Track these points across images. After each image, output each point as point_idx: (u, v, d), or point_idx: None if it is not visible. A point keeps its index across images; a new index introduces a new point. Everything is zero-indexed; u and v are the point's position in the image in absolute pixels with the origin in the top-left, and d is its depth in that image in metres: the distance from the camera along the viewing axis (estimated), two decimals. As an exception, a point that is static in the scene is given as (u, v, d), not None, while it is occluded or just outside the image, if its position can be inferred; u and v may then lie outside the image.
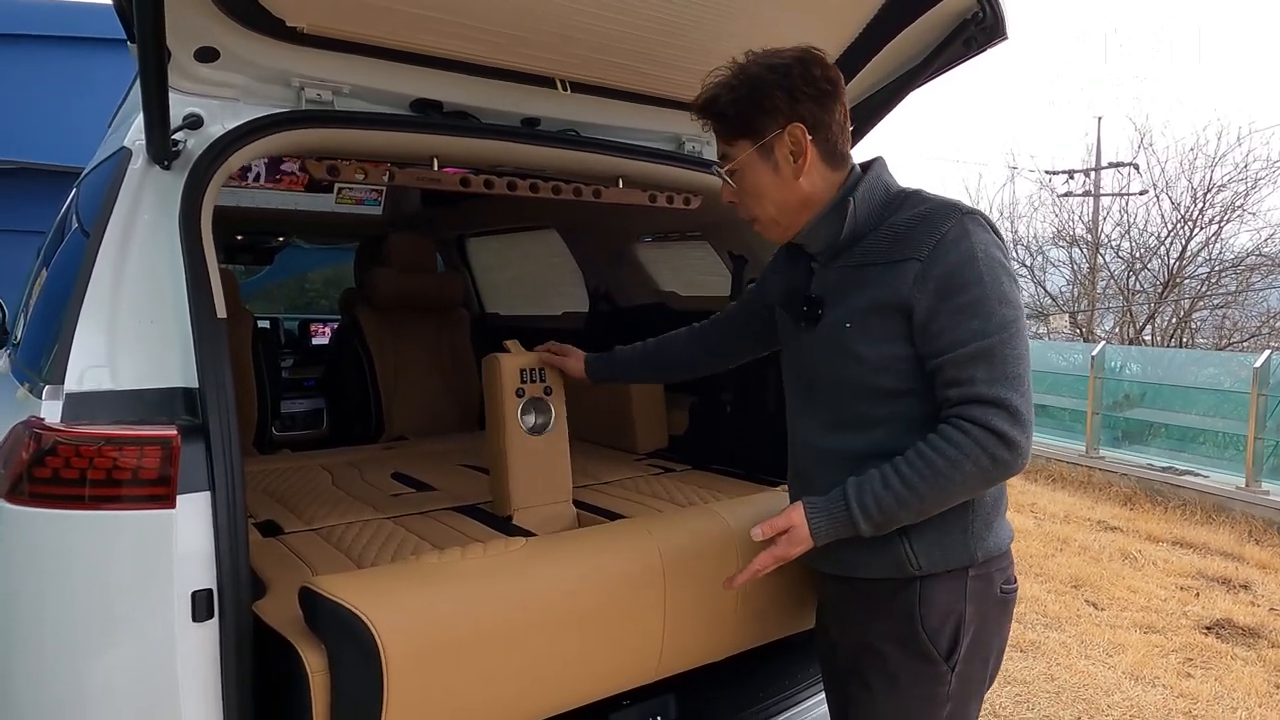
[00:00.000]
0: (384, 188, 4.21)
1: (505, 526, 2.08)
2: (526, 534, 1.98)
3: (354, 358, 3.84)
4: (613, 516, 2.13)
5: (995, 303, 1.28)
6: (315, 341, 5.05)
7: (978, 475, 1.27)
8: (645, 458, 2.90)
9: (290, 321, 5.20)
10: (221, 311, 1.44)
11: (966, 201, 1.38)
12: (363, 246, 4.29)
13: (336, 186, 4.11)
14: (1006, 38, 1.99)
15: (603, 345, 3.42)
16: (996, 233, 1.35)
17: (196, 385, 1.37)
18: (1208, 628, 4.16)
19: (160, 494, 1.26)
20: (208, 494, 1.30)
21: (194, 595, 1.29)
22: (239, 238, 4.69)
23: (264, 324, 4.64)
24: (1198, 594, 4.67)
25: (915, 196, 1.41)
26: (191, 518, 1.28)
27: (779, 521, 1.40)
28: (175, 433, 1.28)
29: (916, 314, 1.31)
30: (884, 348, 1.35)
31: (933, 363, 1.31)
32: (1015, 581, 1.47)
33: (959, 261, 1.29)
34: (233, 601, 1.31)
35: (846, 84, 2.16)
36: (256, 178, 3.89)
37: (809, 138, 1.38)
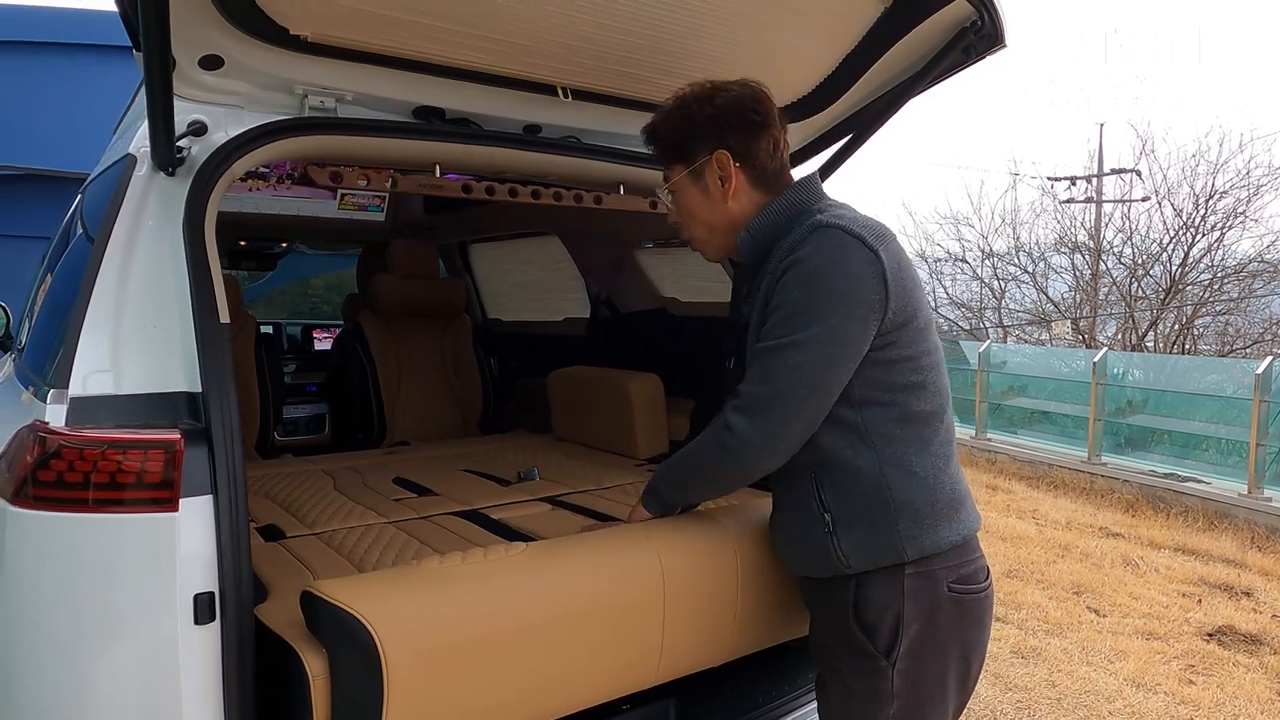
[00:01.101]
0: (386, 194, 4.23)
1: (506, 531, 2.08)
2: (527, 539, 1.98)
3: (356, 363, 3.85)
4: (609, 520, 2.14)
5: (788, 315, 1.36)
6: (318, 347, 5.07)
7: (710, 456, 1.46)
8: (645, 463, 2.91)
9: (293, 327, 5.22)
10: (225, 316, 1.46)
11: (842, 220, 1.38)
12: (365, 252, 4.31)
13: (339, 193, 4.13)
14: (1006, 45, 2.00)
15: (604, 351, 3.46)
16: (864, 243, 1.34)
17: (199, 389, 1.38)
18: (1210, 635, 4.16)
19: (163, 497, 1.27)
20: (210, 497, 1.31)
21: (196, 598, 1.30)
22: (242, 243, 4.71)
23: (267, 329, 4.67)
24: (1200, 601, 4.66)
25: (807, 217, 1.43)
26: (194, 521, 1.29)
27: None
28: (178, 436, 1.29)
29: None
30: None
31: None
32: (977, 583, 1.44)
33: (783, 274, 1.38)
34: (234, 604, 1.31)
35: (845, 92, 2.19)
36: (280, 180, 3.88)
37: (735, 164, 1.49)
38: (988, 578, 1.47)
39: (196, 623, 1.29)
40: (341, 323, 4.63)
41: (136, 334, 1.42)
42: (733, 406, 1.41)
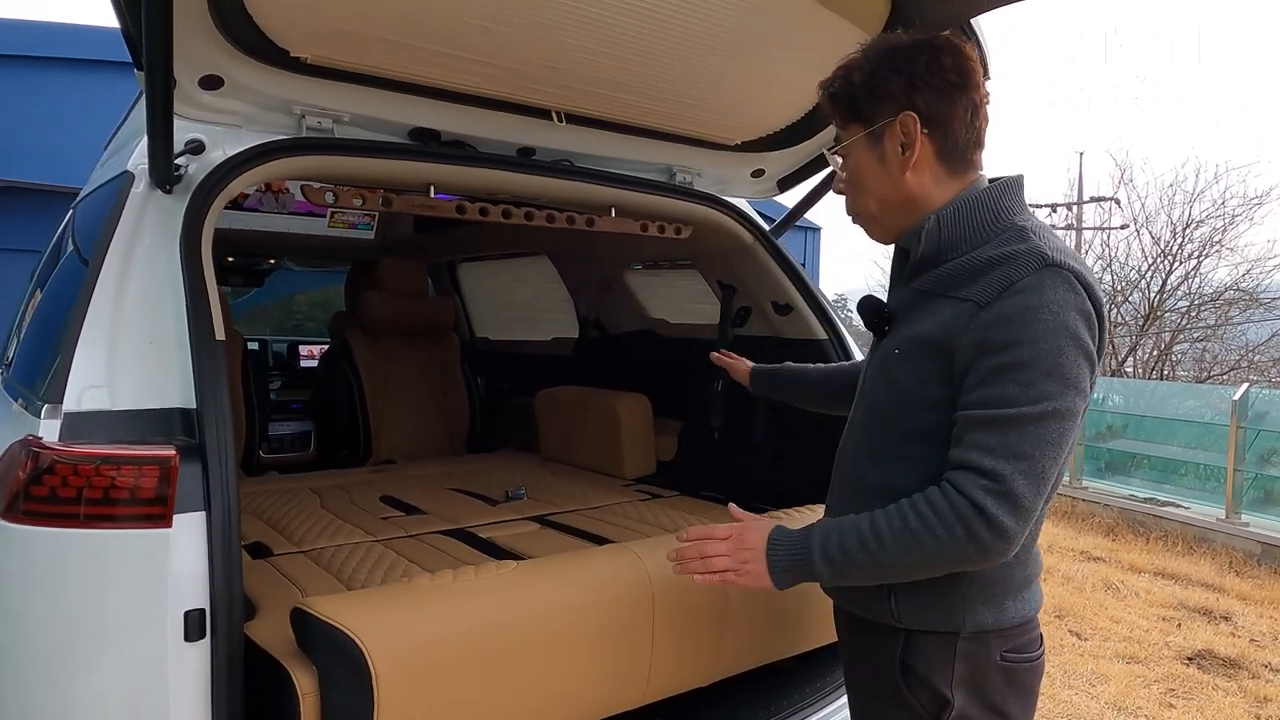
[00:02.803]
0: (377, 212, 4.24)
1: (495, 550, 2.09)
2: (515, 558, 1.99)
3: (343, 381, 3.85)
4: (601, 541, 2.15)
5: (1041, 373, 1.12)
6: (304, 363, 5.05)
7: (950, 547, 1.15)
8: (633, 483, 2.92)
9: (279, 343, 5.20)
10: (220, 334, 1.46)
11: (1067, 256, 1.19)
12: (354, 270, 4.31)
13: (330, 210, 4.14)
14: (989, 78, 2.05)
15: (592, 371, 3.48)
16: (1090, 294, 1.17)
17: (194, 406, 1.38)
18: (1189, 658, 4.19)
19: (157, 513, 1.27)
20: (203, 514, 1.31)
21: (187, 615, 1.29)
22: (230, 259, 4.70)
23: (253, 345, 4.65)
24: (1179, 625, 4.70)
25: (1015, 234, 1.22)
26: (187, 537, 1.29)
27: (734, 528, 1.33)
28: (174, 452, 1.29)
29: (957, 361, 1.19)
30: (924, 385, 1.24)
31: (955, 414, 1.19)
32: (1029, 652, 1.30)
33: (1017, 316, 1.14)
34: (225, 622, 1.31)
35: (819, 132, 2.23)
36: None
37: (922, 130, 1.25)
38: (1041, 646, 1.33)
39: (187, 640, 1.29)
40: (327, 340, 4.62)
41: (132, 350, 1.42)
42: (989, 490, 1.12)
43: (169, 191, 1.63)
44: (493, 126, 2.02)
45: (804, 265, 3.09)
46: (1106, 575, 5.60)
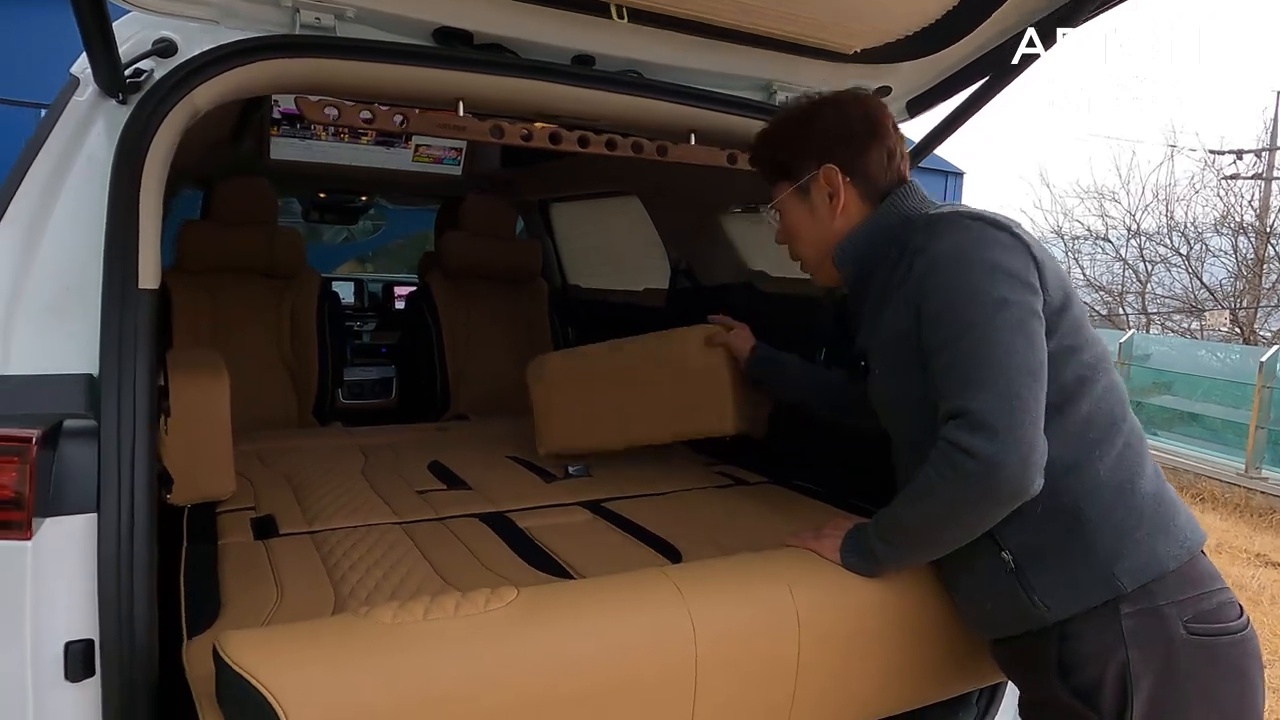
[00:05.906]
0: (464, 145, 3.94)
1: (526, 545, 1.74)
2: (548, 557, 1.65)
3: (423, 326, 3.62)
4: (660, 544, 1.77)
5: (960, 305, 1.20)
6: (399, 305, 4.89)
7: (951, 493, 1.19)
8: (716, 462, 2.52)
9: (374, 284, 5.06)
10: (146, 281, 1.15)
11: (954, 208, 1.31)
12: (443, 208, 4.08)
13: (414, 143, 3.86)
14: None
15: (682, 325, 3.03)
16: (994, 224, 1.24)
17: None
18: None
19: (12, 520, 0.97)
20: (93, 517, 1.01)
21: (68, 648, 1.00)
22: (321, 195, 4.54)
23: (342, 286, 4.50)
24: (1384, 657, 3.91)
25: (921, 221, 1.32)
26: (62, 548, 0.99)
27: (824, 529, 1.44)
28: (32, 436, 0.97)
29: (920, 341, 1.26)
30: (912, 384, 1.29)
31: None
32: (1224, 621, 1.17)
33: (924, 271, 1.25)
34: (117, 655, 1.01)
35: (982, 22, 1.73)
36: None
37: (844, 178, 1.40)
38: (1242, 615, 1.21)
39: (69, 679, 1.00)
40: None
41: (43, 301, 1.14)
42: (955, 425, 1.19)
43: (123, 101, 1.33)
44: (539, 27, 1.62)
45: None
46: (1288, 587, 4.79)
